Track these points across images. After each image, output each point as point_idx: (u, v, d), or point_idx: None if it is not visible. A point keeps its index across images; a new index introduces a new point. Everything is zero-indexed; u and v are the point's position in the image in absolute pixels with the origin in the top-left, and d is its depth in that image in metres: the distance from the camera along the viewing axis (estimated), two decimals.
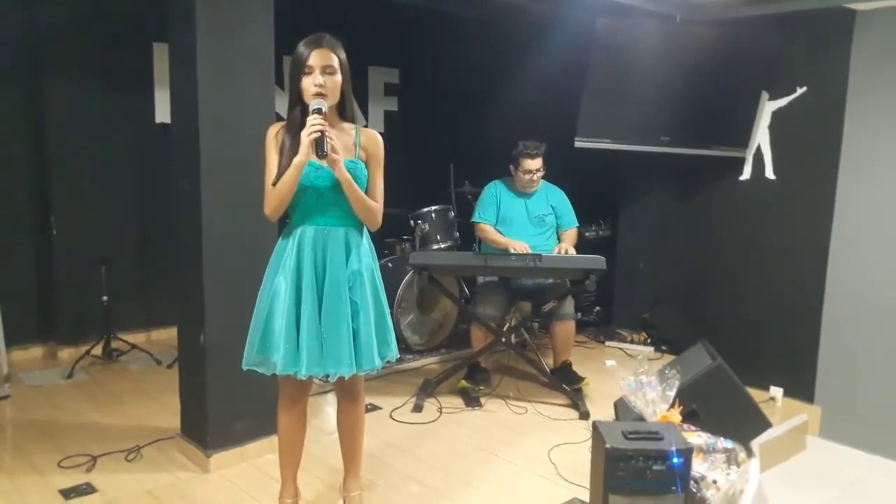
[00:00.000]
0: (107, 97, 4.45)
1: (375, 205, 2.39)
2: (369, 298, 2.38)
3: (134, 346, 4.44)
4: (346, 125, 2.41)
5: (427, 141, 5.62)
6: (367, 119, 5.65)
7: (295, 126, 2.30)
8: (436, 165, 5.32)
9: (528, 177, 4.02)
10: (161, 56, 4.49)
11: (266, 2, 2.98)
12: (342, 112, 2.40)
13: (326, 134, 2.19)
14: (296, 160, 2.23)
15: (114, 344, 4.39)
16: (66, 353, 4.37)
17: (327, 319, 2.31)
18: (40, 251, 4.42)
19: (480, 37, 5.55)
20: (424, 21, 5.45)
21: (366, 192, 2.36)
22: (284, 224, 2.44)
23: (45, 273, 4.43)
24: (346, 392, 2.54)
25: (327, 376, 2.35)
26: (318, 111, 2.22)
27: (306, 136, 2.19)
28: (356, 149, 2.37)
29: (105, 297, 4.27)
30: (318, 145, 2.19)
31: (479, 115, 5.72)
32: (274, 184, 2.29)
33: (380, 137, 2.43)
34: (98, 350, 4.33)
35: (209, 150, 2.87)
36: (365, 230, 2.45)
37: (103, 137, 4.47)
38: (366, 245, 2.44)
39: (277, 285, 2.33)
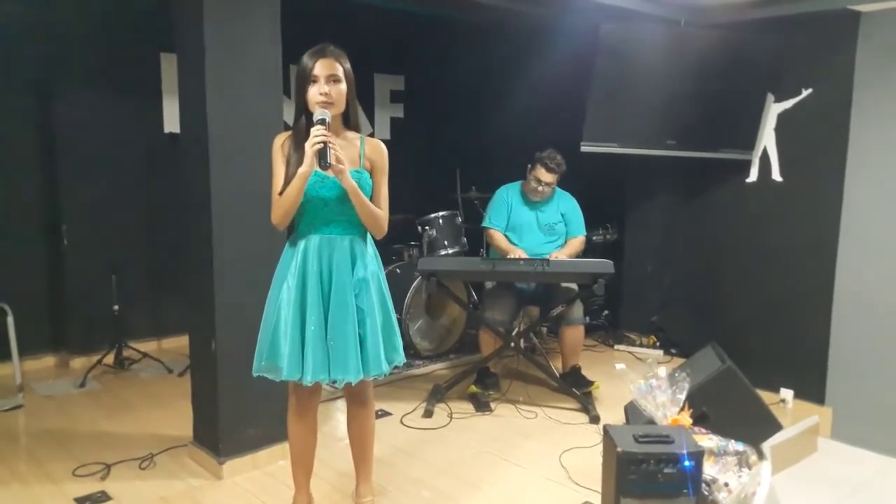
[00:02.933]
0: (115, 107, 4.49)
1: (381, 213, 2.41)
2: (376, 305, 2.40)
3: (145, 355, 4.47)
4: (351, 134, 2.43)
5: (433, 147, 5.65)
6: (373, 126, 5.67)
7: (300, 135, 2.32)
8: (442, 171, 5.35)
9: (535, 185, 4.02)
10: (169, 66, 4.53)
11: (273, 11, 3.00)
12: (346, 121, 2.42)
13: (330, 145, 2.21)
14: (300, 171, 2.25)
15: (125, 353, 4.43)
16: (78, 363, 4.41)
17: (333, 327, 2.33)
18: (51, 261, 4.46)
19: (485, 43, 5.58)
20: (429, 28, 5.48)
21: (370, 201, 2.38)
22: (292, 232, 2.47)
23: (57, 283, 4.47)
24: (356, 398, 2.56)
25: (335, 382, 2.36)
26: (322, 122, 2.24)
27: (310, 148, 2.21)
28: (360, 159, 2.40)
29: (116, 307, 4.31)
30: (322, 156, 2.21)
31: (485, 120, 5.74)
32: (280, 193, 2.32)
33: (384, 146, 2.46)
34: (110, 359, 4.36)
35: (218, 158, 2.89)
36: (370, 238, 2.47)
37: (113, 147, 4.51)
38: (371, 253, 2.46)
39: (284, 293, 2.35)
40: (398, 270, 4.82)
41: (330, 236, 2.37)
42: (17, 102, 4.26)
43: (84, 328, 4.48)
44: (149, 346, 4.65)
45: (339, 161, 2.23)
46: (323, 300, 2.34)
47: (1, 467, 3.10)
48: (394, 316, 2.50)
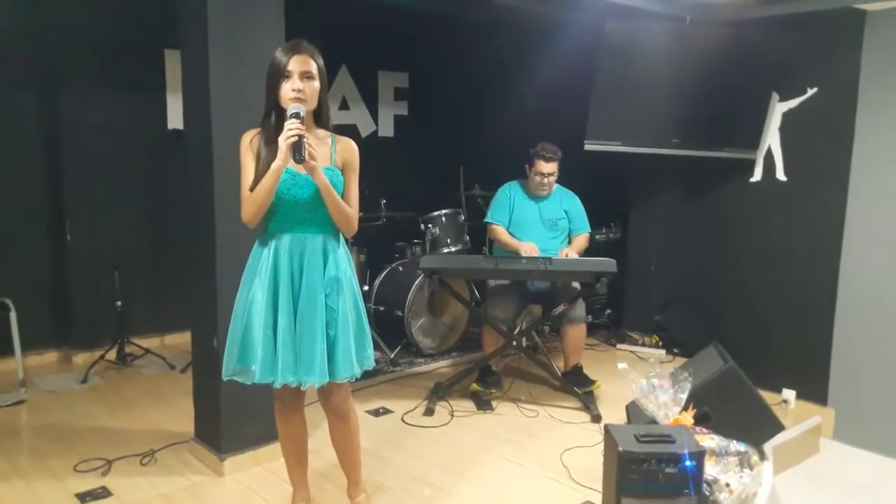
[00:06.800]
0: (119, 103, 4.49)
1: (352, 211, 2.37)
2: (349, 306, 2.35)
3: (148, 351, 4.48)
4: (322, 132, 2.38)
5: (437, 145, 5.65)
6: (376, 124, 5.67)
7: (270, 132, 2.27)
8: (446, 169, 5.34)
9: (539, 179, 4.02)
10: (173, 62, 4.54)
11: (277, 8, 2.99)
12: (318, 119, 2.38)
13: (304, 139, 2.17)
14: (274, 165, 2.20)
15: (128, 349, 4.43)
16: (81, 358, 4.42)
17: (302, 327, 2.28)
18: (55, 257, 4.46)
19: (489, 41, 5.56)
20: (433, 26, 5.47)
21: (342, 199, 2.33)
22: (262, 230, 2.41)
23: (60, 278, 4.47)
24: (334, 410, 2.48)
25: (300, 384, 2.30)
26: (297, 115, 2.19)
27: (284, 141, 2.17)
28: (332, 157, 2.36)
29: (119, 302, 4.31)
30: (296, 150, 2.16)
31: (489, 118, 5.74)
32: (251, 190, 2.27)
33: (355, 145, 2.41)
34: (112, 355, 4.36)
35: (221, 155, 2.88)
36: (342, 238, 2.43)
37: (116, 143, 4.51)
38: (343, 252, 2.41)
39: (254, 293, 2.31)
40: (401, 268, 4.81)
41: (302, 235, 2.32)
42: (21, 98, 4.26)
43: (87, 324, 4.49)
44: (151, 342, 4.65)
45: (312, 157, 2.19)
46: (293, 300, 2.30)
47: (3, 462, 3.10)
48: (365, 317, 2.45)
